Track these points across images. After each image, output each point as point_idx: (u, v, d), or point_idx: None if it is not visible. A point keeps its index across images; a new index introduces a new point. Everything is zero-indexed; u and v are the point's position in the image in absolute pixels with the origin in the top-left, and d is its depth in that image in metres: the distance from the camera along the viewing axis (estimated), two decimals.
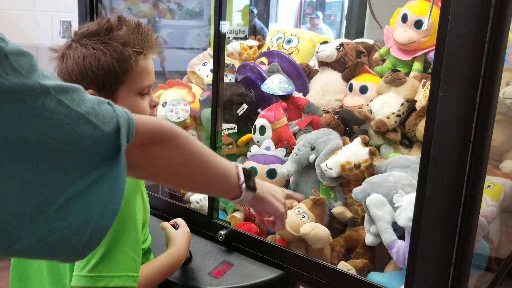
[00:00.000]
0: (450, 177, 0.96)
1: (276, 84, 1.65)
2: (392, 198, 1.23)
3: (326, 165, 1.43)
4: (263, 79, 1.67)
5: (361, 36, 2.44)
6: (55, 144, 0.50)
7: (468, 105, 0.93)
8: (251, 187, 0.92)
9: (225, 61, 1.78)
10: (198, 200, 1.51)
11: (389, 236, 1.21)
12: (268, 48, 1.96)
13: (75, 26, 3.31)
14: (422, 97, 1.62)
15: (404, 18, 1.70)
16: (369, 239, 1.33)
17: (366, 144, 1.47)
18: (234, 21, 2.31)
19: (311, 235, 1.20)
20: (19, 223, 0.50)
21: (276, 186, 1.05)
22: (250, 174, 0.93)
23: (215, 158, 0.86)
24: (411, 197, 1.15)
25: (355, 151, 1.44)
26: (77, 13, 1.69)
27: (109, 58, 0.99)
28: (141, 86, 1.05)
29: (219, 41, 1.28)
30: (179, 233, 1.20)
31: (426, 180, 0.98)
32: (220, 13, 1.26)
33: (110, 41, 1.00)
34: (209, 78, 1.76)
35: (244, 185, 0.90)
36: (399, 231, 1.26)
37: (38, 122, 0.48)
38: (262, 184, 0.99)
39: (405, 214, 1.12)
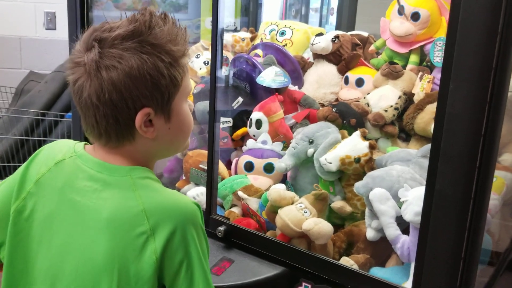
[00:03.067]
0: (460, 171, 0.95)
1: (271, 76, 1.62)
2: (397, 193, 1.21)
3: (326, 159, 1.41)
4: (258, 72, 1.64)
5: (353, 28, 2.42)
6: None
7: (479, 97, 0.91)
8: None
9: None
10: (195, 195, 1.48)
11: (393, 231, 1.19)
12: (261, 40, 1.93)
13: (59, 18, 3.23)
14: (419, 90, 1.60)
15: (401, 10, 1.68)
16: (370, 234, 1.31)
17: (364, 137, 1.45)
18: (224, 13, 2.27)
19: (314, 231, 1.18)
20: None
21: None
22: None
23: None
24: (417, 192, 1.14)
25: (354, 145, 1.41)
26: (66, 5, 1.62)
27: (167, 64, 0.80)
28: (189, 90, 0.89)
29: (216, 30, 1.24)
30: None
31: (435, 175, 0.97)
32: (218, 3, 1.22)
33: (158, 42, 0.79)
34: (202, 71, 1.72)
35: None
36: (401, 226, 1.24)
37: None
38: None
39: (412, 209, 1.10)
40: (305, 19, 3.92)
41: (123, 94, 0.78)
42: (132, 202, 0.79)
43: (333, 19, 3.59)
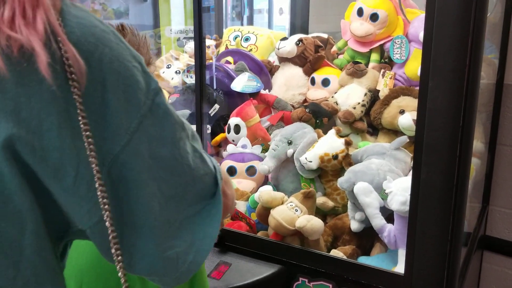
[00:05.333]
0: (443, 161, 1.04)
1: (244, 82, 1.67)
2: (378, 185, 1.29)
3: (306, 158, 1.47)
4: (231, 78, 1.68)
5: (307, 29, 2.50)
6: (187, 177, 0.60)
7: (456, 92, 1.00)
8: None
9: (187, 62, 1.77)
10: None
11: (379, 221, 1.27)
12: (226, 46, 1.97)
13: None
14: (383, 86, 1.70)
15: (360, 12, 1.77)
16: (354, 225, 1.39)
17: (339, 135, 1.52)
18: (183, 21, 2.29)
19: (308, 228, 1.24)
20: (148, 234, 0.57)
21: None
22: None
23: None
24: (400, 182, 1.22)
25: (331, 143, 1.49)
26: None
27: None
28: None
29: (200, 38, 1.27)
30: None
31: (420, 166, 1.05)
32: (200, 9, 1.25)
33: None
34: (174, 81, 1.74)
35: None
36: (383, 215, 1.32)
37: (182, 160, 0.59)
38: None
39: (397, 199, 1.19)
40: (249, 21, 3.98)
41: None
42: None
43: (281, 20, 3.68)
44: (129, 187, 0.55)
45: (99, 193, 0.52)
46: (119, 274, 0.55)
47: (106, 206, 0.52)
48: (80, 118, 0.49)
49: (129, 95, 0.53)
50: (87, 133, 0.50)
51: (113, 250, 0.54)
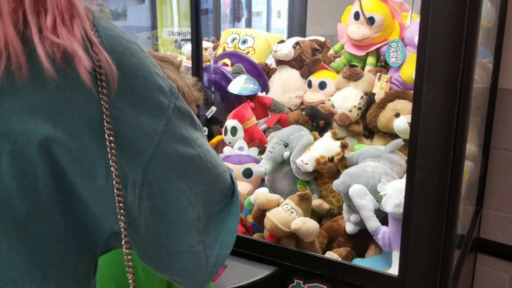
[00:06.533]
0: (437, 164, 1.05)
1: (241, 85, 1.68)
2: (373, 187, 1.31)
3: (302, 160, 1.48)
4: (228, 81, 1.69)
5: (304, 32, 2.52)
6: (211, 175, 0.65)
7: (450, 96, 1.02)
8: None
9: (185, 64, 1.77)
10: None
11: (373, 223, 1.29)
12: (224, 49, 1.98)
13: None
14: (379, 90, 1.71)
15: (357, 16, 1.78)
16: (349, 227, 1.40)
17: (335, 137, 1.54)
18: (181, 23, 2.30)
19: (303, 230, 1.25)
20: (182, 229, 0.61)
21: None
22: None
23: None
24: (395, 185, 1.23)
25: (327, 145, 1.50)
26: None
27: None
28: None
29: (197, 40, 1.29)
30: None
31: (415, 168, 1.06)
32: (197, 11, 1.26)
33: None
34: None
35: None
36: (378, 217, 1.33)
37: (205, 158, 0.64)
38: None
39: (392, 201, 1.20)
40: (248, 23, 4.00)
41: None
42: None
43: (279, 23, 3.70)
44: (162, 187, 0.58)
45: (115, 194, 0.54)
46: (128, 277, 0.58)
47: (122, 211, 0.54)
48: (105, 123, 0.52)
49: (155, 99, 0.57)
50: (110, 138, 0.53)
51: (125, 251, 0.56)
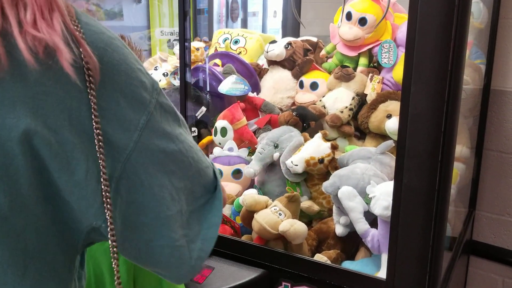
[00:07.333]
0: (425, 166, 1.03)
1: (232, 85, 1.67)
2: (363, 189, 1.29)
3: (292, 161, 1.47)
4: (218, 81, 1.68)
5: (298, 32, 2.51)
6: (193, 170, 0.66)
7: (438, 98, 1.00)
8: None
9: (176, 65, 1.76)
10: None
11: (362, 225, 1.27)
12: (216, 49, 1.96)
13: None
14: (371, 90, 1.70)
15: (349, 16, 1.77)
16: (339, 230, 1.39)
17: (326, 138, 1.52)
18: (174, 23, 2.29)
19: (291, 232, 1.23)
20: (164, 224, 0.61)
21: None
22: None
23: None
24: (384, 187, 1.22)
25: (317, 146, 1.48)
26: None
27: None
28: None
29: (184, 39, 1.27)
30: None
31: (403, 171, 1.05)
32: (184, 11, 1.25)
33: None
34: (162, 82, 1.74)
35: None
36: (367, 220, 1.32)
37: (187, 153, 0.64)
38: None
39: (380, 204, 1.18)
40: (244, 23, 3.99)
41: None
42: None
43: (275, 23, 3.69)
44: (143, 181, 0.58)
45: (103, 190, 0.54)
46: (115, 275, 0.59)
47: (109, 206, 0.55)
48: (93, 116, 0.53)
49: (137, 94, 0.58)
50: (98, 131, 0.53)
51: (111, 243, 0.57)
